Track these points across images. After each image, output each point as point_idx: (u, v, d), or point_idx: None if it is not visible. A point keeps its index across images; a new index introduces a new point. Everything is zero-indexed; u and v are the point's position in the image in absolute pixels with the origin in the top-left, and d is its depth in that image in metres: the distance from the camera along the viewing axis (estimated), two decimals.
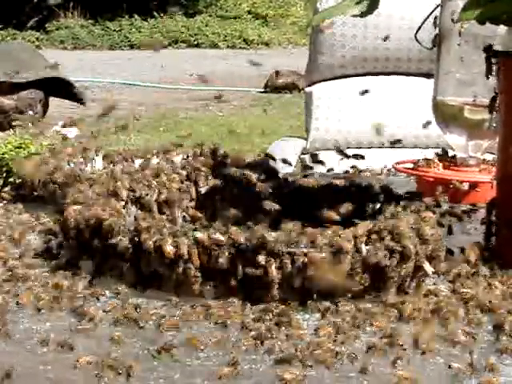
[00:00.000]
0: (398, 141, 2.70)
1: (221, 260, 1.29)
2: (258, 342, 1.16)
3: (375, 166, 2.17)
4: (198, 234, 1.31)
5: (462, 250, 1.54)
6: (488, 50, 1.61)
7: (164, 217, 1.53)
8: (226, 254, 1.29)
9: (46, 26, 11.43)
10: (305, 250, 1.28)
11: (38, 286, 1.34)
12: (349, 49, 3.13)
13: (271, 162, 1.86)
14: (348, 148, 2.94)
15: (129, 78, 6.92)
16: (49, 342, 1.16)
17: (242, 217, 1.53)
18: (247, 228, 1.36)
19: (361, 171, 2.09)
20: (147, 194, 1.59)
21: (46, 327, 1.21)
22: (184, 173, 1.69)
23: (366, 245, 1.30)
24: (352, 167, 2.11)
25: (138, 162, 1.90)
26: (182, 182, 1.67)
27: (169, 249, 1.31)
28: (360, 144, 3.03)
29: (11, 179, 1.95)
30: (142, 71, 7.20)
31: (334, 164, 2.43)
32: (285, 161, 2.09)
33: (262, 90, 6.58)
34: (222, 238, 1.30)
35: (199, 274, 1.31)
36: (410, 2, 3.04)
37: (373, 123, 2.59)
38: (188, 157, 1.89)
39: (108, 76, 7.01)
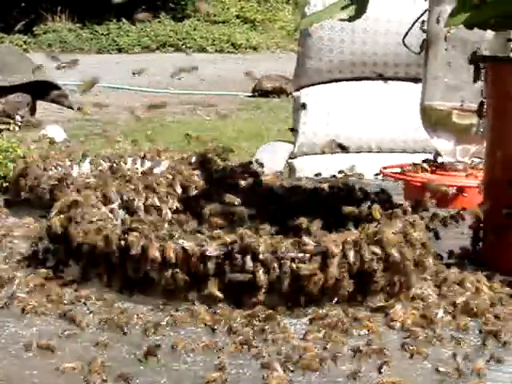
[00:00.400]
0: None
1: (209, 265, 1.29)
2: (245, 346, 1.16)
3: (363, 170, 2.17)
4: (186, 243, 1.30)
5: (451, 253, 1.54)
6: (475, 55, 1.61)
7: (151, 220, 1.53)
8: (214, 259, 1.29)
9: (34, 29, 11.41)
10: (292, 255, 1.28)
11: (23, 291, 1.33)
12: (336, 53, 3.13)
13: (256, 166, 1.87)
14: (336, 152, 2.95)
15: (116, 82, 6.92)
16: (34, 346, 1.15)
17: (229, 220, 1.53)
18: (232, 232, 1.35)
19: (348, 176, 2.09)
20: (134, 199, 1.58)
21: (32, 332, 1.20)
22: (171, 177, 1.69)
23: (355, 251, 1.30)
24: (339, 172, 2.11)
25: (125, 166, 1.90)
26: (169, 186, 1.66)
27: (155, 253, 1.31)
28: (348, 148, 3.04)
29: None
30: (130, 75, 7.18)
31: (322, 168, 2.43)
32: None
33: (250, 95, 6.57)
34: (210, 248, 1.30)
35: (187, 279, 1.30)
36: (397, 6, 3.05)
37: None
38: (175, 160, 1.89)
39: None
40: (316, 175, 2.19)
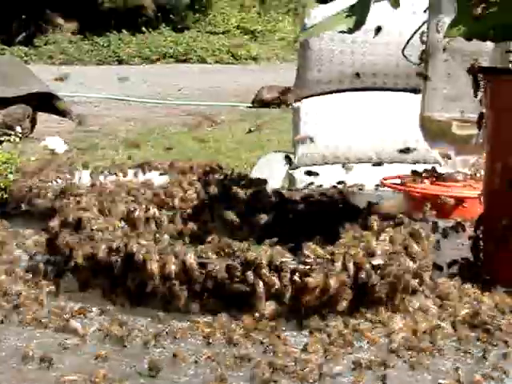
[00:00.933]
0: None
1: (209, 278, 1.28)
2: (246, 358, 1.15)
3: (363, 181, 2.17)
4: (187, 257, 1.30)
5: (451, 263, 1.53)
6: (474, 66, 1.61)
7: (151, 233, 1.53)
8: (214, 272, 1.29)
9: (35, 41, 11.38)
10: (292, 267, 1.28)
11: (24, 303, 1.32)
12: (336, 64, 3.12)
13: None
14: (336, 163, 2.93)
15: (117, 93, 6.90)
16: (34, 359, 1.14)
17: (230, 231, 1.53)
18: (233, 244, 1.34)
19: (349, 187, 2.09)
20: (135, 210, 1.58)
21: (32, 344, 1.19)
22: (173, 188, 1.68)
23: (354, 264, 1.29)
24: (339, 183, 2.10)
25: (126, 178, 1.90)
26: (169, 197, 1.66)
27: (154, 267, 1.30)
28: (348, 159, 3.02)
29: None
30: (130, 86, 7.18)
31: (322, 180, 2.42)
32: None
33: (250, 105, 6.53)
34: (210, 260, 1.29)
35: (185, 291, 1.30)
36: (397, 18, 3.04)
37: None
38: (177, 172, 1.89)
39: (96, 91, 7.00)
40: (313, 186, 2.18)
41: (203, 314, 1.28)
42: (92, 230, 1.44)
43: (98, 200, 1.59)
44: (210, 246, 1.34)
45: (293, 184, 2.86)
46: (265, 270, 1.27)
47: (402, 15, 2.96)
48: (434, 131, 2.21)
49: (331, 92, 3.22)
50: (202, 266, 1.30)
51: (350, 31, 1.48)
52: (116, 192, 1.66)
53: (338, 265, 1.29)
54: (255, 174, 2.07)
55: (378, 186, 2.17)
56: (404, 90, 3.18)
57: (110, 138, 4.43)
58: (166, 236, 1.52)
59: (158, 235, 1.48)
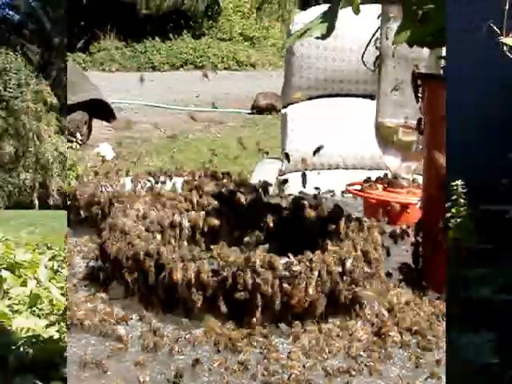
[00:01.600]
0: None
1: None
2: (246, 365, 1.09)
3: (334, 187, 2.02)
4: (201, 264, 1.21)
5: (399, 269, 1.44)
6: (414, 72, 1.45)
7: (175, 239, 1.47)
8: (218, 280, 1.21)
9: (90, 47, 10.95)
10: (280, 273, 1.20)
11: (80, 310, 1.26)
12: (313, 70, 2.90)
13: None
14: (322, 170, 2.72)
15: (151, 100, 6.52)
16: (82, 365, 1.08)
17: (240, 239, 1.45)
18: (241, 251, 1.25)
19: (323, 193, 1.97)
20: (165, 217, 1.49)
21: (88, 351, 1.13)
22: (192, 195, 1.58)
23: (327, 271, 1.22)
24: (315, 189, 1.97)
25: (158, 184, 1.82)
26: (188, 203, 1.57)
27: (178, 276, 1.24)
28: (336, 165, 2.83)
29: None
30: (159, 92, 6.84)
31: (307, 185, 2.28)
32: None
33: (249, 112, 6.10)
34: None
35: (201, 297, 1.23)
36: (355, 23, 2.85)
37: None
38: (194, 179, 1.80)
39: (134, 97, 6.62)
40: (299, 193, 2.05)
41: (216, 320, 1.20)
42: (131, 236, 1.38)
43: (135, 207, 1.52)
44: (213, 254, 1.24)
45: (282, 190, 2.70)
46: (259, 276, 1.20)
47: (359, 21, 2.77)
48: (385, 137, 2.04)
49: (311, 98, 2.99)
50: (214, 272, 1.22)
51: (323, 37, 1.25)
52: (152, 199, 1.58)
53: (316, 273, 1.21)
54: (253, 180, 1.97)
55: (343, 192, 2.01)
56: (363, 96, 2.95)
57: (146, 144, 4.30)
58: (185, 242, 1.45)
59: (181, 241, 1.42)
